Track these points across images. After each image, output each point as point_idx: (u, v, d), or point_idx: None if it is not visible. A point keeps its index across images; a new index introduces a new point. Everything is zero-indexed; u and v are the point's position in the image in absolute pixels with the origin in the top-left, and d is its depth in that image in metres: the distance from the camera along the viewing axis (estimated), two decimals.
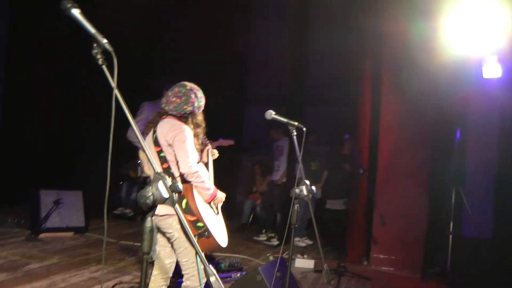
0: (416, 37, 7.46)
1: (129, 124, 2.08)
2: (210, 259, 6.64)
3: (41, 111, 10.98)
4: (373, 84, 8.08)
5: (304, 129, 3.92)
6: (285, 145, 9.17)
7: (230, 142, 5.00)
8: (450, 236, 7.39)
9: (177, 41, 11.16)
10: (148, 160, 2.14)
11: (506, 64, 7.08)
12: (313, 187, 3.83)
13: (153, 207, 2.03)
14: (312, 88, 11.06)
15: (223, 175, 10.80)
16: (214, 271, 2.18)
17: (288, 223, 3.90)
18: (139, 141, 2.13)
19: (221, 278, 5.31)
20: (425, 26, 7.35)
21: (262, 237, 9.03)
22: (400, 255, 7.67)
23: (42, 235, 7.49)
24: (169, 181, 2.03)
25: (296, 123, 3.94)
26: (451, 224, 7.40)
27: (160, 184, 2.01)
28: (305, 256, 7.50)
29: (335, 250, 7.81)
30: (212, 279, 2.15)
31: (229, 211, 11.31)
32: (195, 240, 3.20)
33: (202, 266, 2.60)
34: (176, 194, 2.06)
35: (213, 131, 10.28)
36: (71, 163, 10.45)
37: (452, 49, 7.03)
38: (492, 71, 6.96)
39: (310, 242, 9.26)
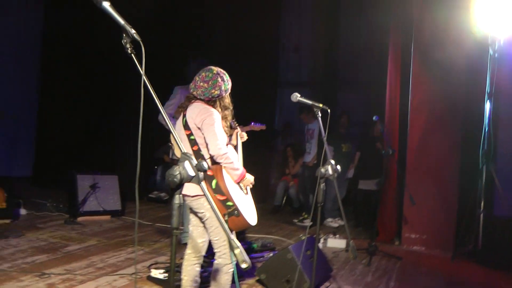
0: (445, 15, 7.45)
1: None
2: (243, 240, 6.77)
3: (76, 100, 11.32)
4: (403, 65, 8.09)
5: (329, 110, 3.98)
6: (315, 128, 9.23)
7: (262, 126, 5.08)
8: (481, 215, 7.36)
9: (210, 26, 11.24)
10: (175, 142, 2.26)
11: None
12: (338, 167, 3.89)
13: (180, 185, 2.15)
14: (343, 71, 11.11)
15: (257, 159, 11.02)
16: (239, 244, 2.29)
17: (313, 202, 3.98)
18: (167, 124, 2.25)
19: (254, 258, 5.47)
20: (454, 4, 7.34)
21: (299, 219, 9.18)
22: (431, 234, 7.71)
23: (80, 219, 7.77)
24: (195, 160, 2.15)
25: (321, 105, 4.00)
26: (482, 203, 7.37)
27: (187, 163, 2.13)
28: (337, 236, 7.59)
29: (368, 230, 7.86)
30: (236, 251, 2.26)
31: (263, 194, 11.53)
32: (223, 218, 3.36)
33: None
34: (202, 173, 2.17)
35: (246, 114, 10.47)
36: (106, 149, 10.69)
37: (482, 26, 7.00)
38: None
39: (342, 223, 9.35)
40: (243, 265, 2.23)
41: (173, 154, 6.42)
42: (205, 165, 2.17)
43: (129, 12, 10.09)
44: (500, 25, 6.90)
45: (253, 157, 10.90)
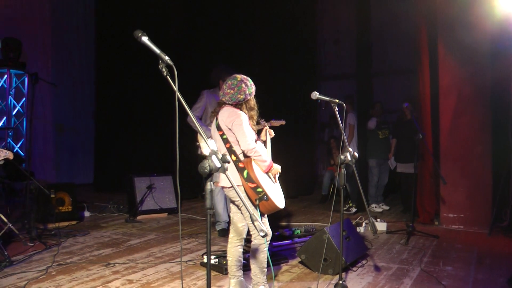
0: None
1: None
2: (289, 227, 7.30)
3: (128, 108, 12.09)
4: (431, 50, 8.47)
5: (344, 105, 4.52)
6: (349, 118, 9.68)
7: (281, 122, 5.60)
8: None
9: (248, 23, 11.68)
10: (203, 140, 2.87)
11: None
12: (356, 153, 4.43)
13: (210, 174, 2.73)
14: (377, 61, 11.47)
15: (303, 152, 11.52)
16: (258, 218, 2.87)
17: (342, 188, 4.50)
18: (195, 126, 2.86)
19: (298, 242, 6.02)
20: None
21: (346, 207, 9.64)
22: (468, 213, 8.08)
23: (139, 217, 8.49)
24: (220, 154, 2.73)
25: (337, 101, 4.54)
26: None
27: (214, 157, 2.72)
28: (379, 219, 8.05)
29: (409, 213, 8.24)
30: (256, 223, 2.83)
31: (311, 185, 12.04)
32: (255, 203, 3.98)
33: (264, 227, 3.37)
34: (227, 164, 2.75)
35: (291, 109, 10.94)
36: (160, 151, 11.39)
37: (503, 5, 7.34)
38: None
39: (387, 208, 9.82)
40: (261, 233, 2.80)
41: (201, 152, 7.11)
42: (228, 157, 2.75)
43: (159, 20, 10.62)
44: None
45: (299, 150, 11.43)
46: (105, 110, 12.58)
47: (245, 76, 4.50)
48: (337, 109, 4.54)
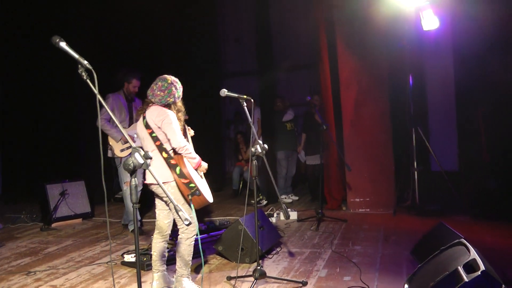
0: None
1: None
2: (203, 222, 7.50)
3: (35, 115, 11.87)
4: (330, 45, 8.88)
5: (252, 100, 4.79)
6: (255, 113, 9.98)
7: (184, 117, 5.84)
8: (416, 172, 8.22)
9: (150, 23, 11.68)
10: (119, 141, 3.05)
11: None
12: (265, 145, 4.71)
13: (134, 171, 2.89)
14: (280, 58, 11.87)
15: (211, 149, 11.71)
16: (183, 209, 3.07)
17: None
18: (107, 129, 3.05)
19: (214, 236, 6.23)
20: None
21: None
22: (373, 196, 8.59)
23: (54, 224, 8.41)
24: (142, 151, 2.90)
25: (245, 96, 4.80)
26: (415, 162, 8.22)
27: (137, 154, 2.88)
28: (289, 209, 8.39)
29: (317, 201, 8.60)
30: (180, 213, 3.05)
31: (221, 181, 12.26)
32: (188, 198, 4.22)
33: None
34: (149, 160, 2.93)
35: (196, 108, 11.08)
36: (71, 157, 11.29)
37: (395, 2, 7.85)
38: (430, 23, 7.70)
39: (296, 198, 10.21)
40: (186, 222, 3.01)
41: (113, 153, 7.26)
42: (149, 154, 2.93)
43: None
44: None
45: (207, 148, 11.64)
46: (9, 118, 12.26)
47: (174, 79, 4.70)
48: (245, 104, 4.79)
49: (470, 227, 6.97)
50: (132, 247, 6.54)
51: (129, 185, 7.41)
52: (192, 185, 4.44)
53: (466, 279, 3.17)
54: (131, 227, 7.50)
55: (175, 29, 11.63)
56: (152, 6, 11.03)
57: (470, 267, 3.31)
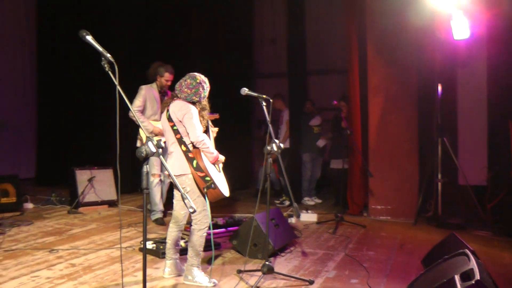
0: (394, 3, 8.34)
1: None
2: (223, 217, 7.65)
3: (69, 103, 12.22)
4: (361, 51, 8.96)
5: (271, 100, 4.94)
6: (284, 114, 10.19)
7: (215, 115, 5.96)
8: (439, 184, 8.23)
9: (186, 21, 11.94)
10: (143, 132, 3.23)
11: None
12: (281, 145, 4.85)
13: (147, 158, 3.07)
14: (312, 62, 11.95)
15: (240, 148, 11.84)
16: (193, 204, 3.23)
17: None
18: (137, 120, 3.25)
19: (231, 230, 6.37)
20: None
21: (280, 200, 10.05)
22: (395, 204, 8.60)
23: (81, 209, 8.69)
24: (155, 140, 3.07)
25: (264, 96, 4.95)
26: (439, 173, 8.21)
27: (150, 143, 3.06)
28: (309, 211, 8.51)
29: (340, 205, 8.66)
30: (186, 201, 3.20)
31: (248, 179, 12.39)
32: (203, 191, 4.41)
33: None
34: (161, 149, 3.10)
35: (227, 107, 11.24)
36: (101, 145, 11.55)
37: (428, 10, 7.85)
38: (461, 32, 7.68)
39: (319, 201, 10.30)
40: (190, 210, 3.18)
41: (141, 144, 7.48)
42: (162, 143, 3.10)
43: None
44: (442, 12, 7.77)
45: (237, 147, 11.78)
46: (47, 105, 12.65)
47: (203, 78, 4.90)
48: (264, 104, 4.93)
49: (489, 242, 6.97)
50: (152, 235, 6.73)
51: (156, 177, 7.64)
52: (207, 178, 4.61)
53: (459, 287, 3.25)
54: (153, 216, 7.70)
55: (210, 29, 11.84)
56: (190, 7, 11.30)
57: (467, 276, 3.38)
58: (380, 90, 8.70)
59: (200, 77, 4.87)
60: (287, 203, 9.83)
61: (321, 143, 10.25)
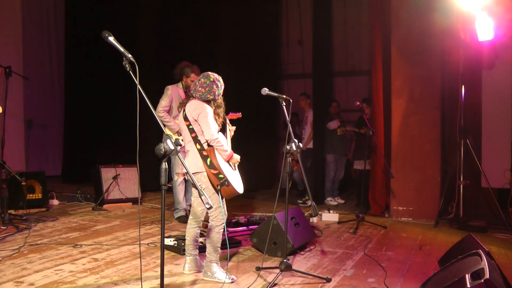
0: (420, 9, 8.37)
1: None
2: (245, 217, 7.74)
3: (95, 102, 12.42)
4: (384, 52, 9.00)
5: (291, 100, 5.01)
6: (309, 115, 10.24)
7: (238, 114, 6.06)
8: (461, 186, 8.19)
9: (213, 21, 12.07)
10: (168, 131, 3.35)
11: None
12: (300, 144, 4.93)
13: (165, 155, 3.17)
14: (338, 63, 12.00)
15: (266, 148, 11.92)
16: (208, 198, 3.32)
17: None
18: (165, 119, 3.35)
19: (252, 229, 6.44)
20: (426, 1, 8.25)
21: (302, 200, 10.13)
22: (417, 205, 8.61)
23: (105, 206, 8.88)
24: (173, 138, 3.18)
25: (284, 96, 5.03)
26: (461, 175, 8.19)
27: (168, 141, 3.16)
28: (331, 211, 8.56)
29: (362, 205, 8.73)
30: (202, 197, 3.30)
31: (273, 179, 12.47)
32: (217, 188, 4.49)
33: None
34: (179, 146, 3.19)
35: (254, 107, 11.29)
36: (127, 144, 11.71)
37: (453, 11, 7.88)
38: (485, 33, 7.67)
39: (342, 201, 10.34)
40: (207, 206, 3.28)
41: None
42: (180, 141, 3.19)
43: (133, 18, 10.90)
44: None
45: (262, 147, 11.86)
46: (73, 104, 12.89)
47: (217, 77, 4.98)
48: (284, 104, 5.01)
49: (510, 244, 6.94)
50: (174, 233, 6.85)
51: (180, 176, 7.76)
52: (221, 176, 4.70)
53: (469, 286, 3.29)
54: (176, 214, 7.82)
55: (237, 30, 11.93)
56: (217, 8, 11.42)
57: (477, 275, 3.43)
58: (404, 92, 8.71)
59: (214, 75, 4.96)
60: (309, 203, 9.88)
61: (333, 124, 10.20)
